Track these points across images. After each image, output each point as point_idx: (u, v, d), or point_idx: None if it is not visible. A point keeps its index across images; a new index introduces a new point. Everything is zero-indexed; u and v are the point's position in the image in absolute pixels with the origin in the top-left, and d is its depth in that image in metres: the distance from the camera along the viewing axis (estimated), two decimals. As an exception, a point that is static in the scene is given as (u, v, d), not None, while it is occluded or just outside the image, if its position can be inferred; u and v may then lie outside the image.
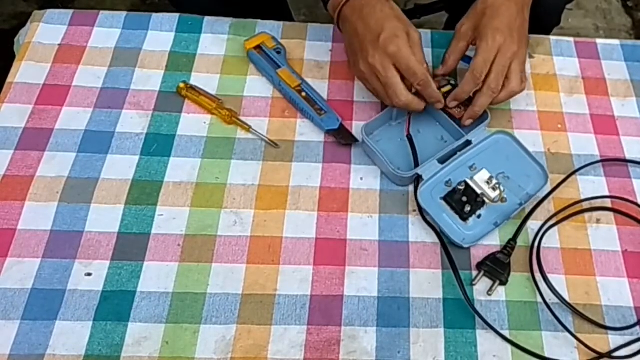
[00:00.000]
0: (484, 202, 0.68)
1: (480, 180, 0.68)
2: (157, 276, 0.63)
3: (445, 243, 0.65)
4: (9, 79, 0.75)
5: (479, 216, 0.68)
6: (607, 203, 0.70)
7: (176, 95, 0.75)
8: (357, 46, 0.70)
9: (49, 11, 0.82)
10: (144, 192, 0.68)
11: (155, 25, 0.82)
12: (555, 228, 0.68)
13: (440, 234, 0.66)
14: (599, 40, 0.85)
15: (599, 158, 0.73)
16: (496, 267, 0.64)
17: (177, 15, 0.83)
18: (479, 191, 0.67)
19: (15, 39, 0.83)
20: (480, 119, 0.72)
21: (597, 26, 1.67)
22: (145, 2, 1.64)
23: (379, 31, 0.67)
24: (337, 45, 0.81)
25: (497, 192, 0.67)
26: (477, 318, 0.61)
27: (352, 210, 0.68)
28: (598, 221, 0.69)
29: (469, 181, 0.68)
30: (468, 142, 0.71)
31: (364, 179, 0.70)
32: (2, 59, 0.88)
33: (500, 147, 0.72)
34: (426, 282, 0.64)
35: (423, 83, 0.68)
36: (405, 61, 0.67)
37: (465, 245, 0.65)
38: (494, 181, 0.68)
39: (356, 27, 0.69)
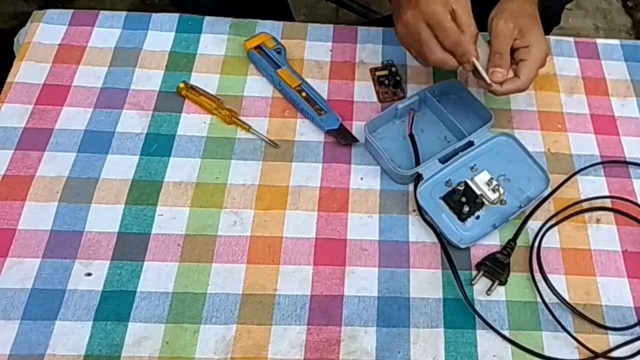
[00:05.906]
0: (483, 204, 0.68)
1: (480, 182, 0.68)
2: (157, 276, 0.63)
3: (444, 243, 0.65)
4: (9, 79, 0.75)
5: (477, 217, 0.68)
6: (607, 203, 0.70)
7: (176, 95, 0.75)
8: (396, 7, 0.69)
9: (49, 11, 0.82)
10: (144, 192, 0.68)
11: (155, 25, 0.82)
12: (555, 228, 0.68)
13: (439, 234, 0.66)
14: (599, 40, 0.85)
15: (599, 158, 0.73)
16: (495, 267, 0.64)
17: (177, 15, 0.83)
18: (478, 192, 0.67)
19: (15, 39, 0.83)
20: (483, 120, 0.72)
21: (597, 26, 1.67)
22: (145, 2, 1.64)
23: None
24: (337, 45, 0.81)
25: (497, 194, 0.67)
26: (477, 318, 0.61)
27: (352, 210, 0.68)
28: (598, 221, 0.69)
29: (469, 182, 0.68)
30: (470, 143, 0.71)
31: (364, 179, 0.70)
32: (2, 59, 0.87)
33: (503, 149, 0.72)
34: (426, 282, 0.64)
35: (455, 39, 0.65)
36: (436, 17, 0.64)
37: (463, 246, 0.65)
38: (494, 183, 0.68)
39: None
